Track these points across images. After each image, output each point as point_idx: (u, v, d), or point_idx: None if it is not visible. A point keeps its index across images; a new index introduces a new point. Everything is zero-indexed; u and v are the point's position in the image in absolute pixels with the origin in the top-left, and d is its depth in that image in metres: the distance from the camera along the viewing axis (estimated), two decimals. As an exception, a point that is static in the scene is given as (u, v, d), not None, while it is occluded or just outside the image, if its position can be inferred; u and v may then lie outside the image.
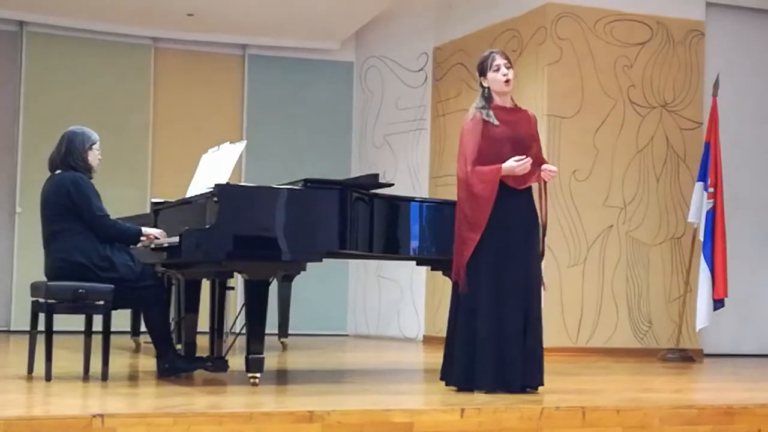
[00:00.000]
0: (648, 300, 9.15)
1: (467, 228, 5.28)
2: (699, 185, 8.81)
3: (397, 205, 6.01)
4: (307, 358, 8.05)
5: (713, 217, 8.68)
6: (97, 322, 5.59)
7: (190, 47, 11.36)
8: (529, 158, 5.29)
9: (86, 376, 5.63)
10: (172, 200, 6.37)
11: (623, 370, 7.39)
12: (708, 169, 8.75)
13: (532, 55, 9.06)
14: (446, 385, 5.38)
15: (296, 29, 11.09)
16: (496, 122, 5.35)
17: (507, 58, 5.44)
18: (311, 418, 4.17)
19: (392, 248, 6.02)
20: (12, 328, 10.39)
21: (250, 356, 5.34)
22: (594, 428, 4.58)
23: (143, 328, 6.09)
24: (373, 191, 5.81)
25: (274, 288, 7.08)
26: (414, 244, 6.08)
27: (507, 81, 5.39)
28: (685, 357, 8.67)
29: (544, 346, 5.41)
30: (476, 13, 9.98)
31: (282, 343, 8.79)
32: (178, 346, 6.09)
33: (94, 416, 3.90)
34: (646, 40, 9.28)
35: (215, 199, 5.29)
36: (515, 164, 5.25)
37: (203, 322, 6.25)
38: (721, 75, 9.05)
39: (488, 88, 5.42)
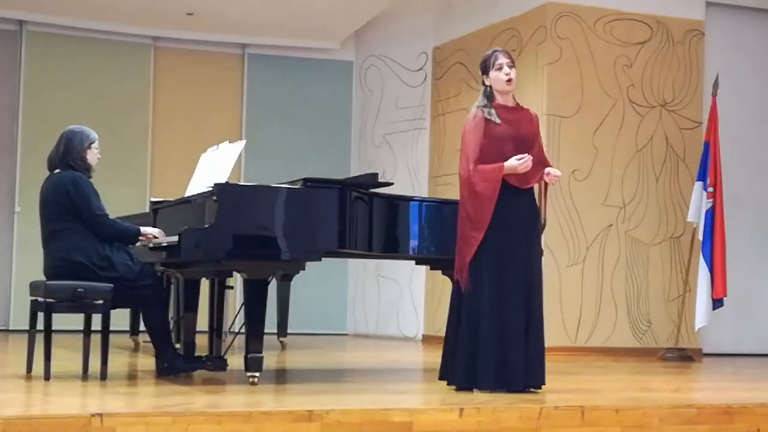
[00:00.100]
0: (647, 299, 9.15)
1: (470, 227, 5.28)
2: (698, 185, 8.81)
3: (397, 204, 6.00)
4: (306, 358, 8.04)
5: (712, 217, 8.68)
6: (96, 321, 5.58)
7: (189, 47, 11.35)
8: (530, 156, 5.29)
9: (85, 375, 5.63)
10: (172, 199, 6.37)
11: (622, 370, 7.39)
12: (707, 169, 8.75)
13: (532, 54, 9.06)
14: (447, 384, 5.37)
15: (296, 29, 11.09)
16: (498, 121, 5.34)
17: (510, 57, 5.44)
18: (310, 417, 4.17)
19: (391, 247, 6.02)
20: (11, 328, 10.38)
21: (249, 355, 5.34)
22: (593, 428, 4.58)
23: (142, 327, 6.09)
24: (373, 190, 5.81)
25: (273, 287, 7.08)
26: (413, 243, 6.08)
27: (509, 80, 5.39)
28: (685, 356, 8.68)
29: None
30: (476, 13, 9.98)
31: (281, 342, 8.79)
32: (177, 346, 6.08)
33: (93, 415, 3.90)
34: (645, 39, 9.28)
35: (214, 198, 5.29)
36: (517, 163, 5.25)
37: (202, 322, 6.25)
38: (720, 75, 9.05)
39: (490, 86, 5.42)
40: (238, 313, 5.76)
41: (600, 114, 9.09)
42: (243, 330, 5.45)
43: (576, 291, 8.91)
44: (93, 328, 5.66)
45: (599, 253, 9.02)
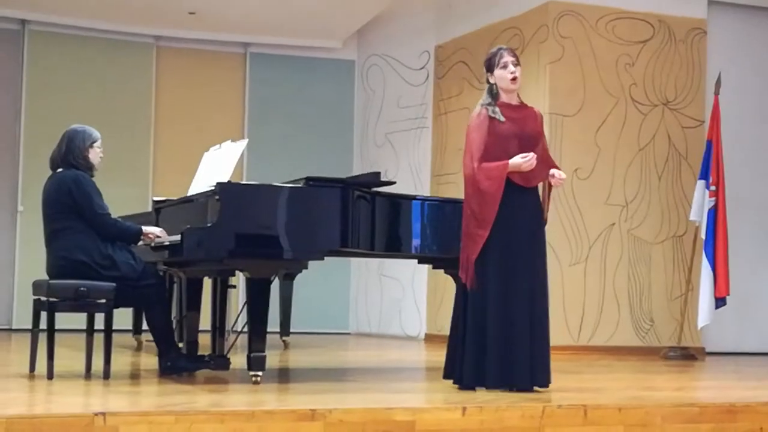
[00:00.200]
0: (650, 298, 9.15)
1: (475, 225, 5.27)
2: (701, 183, 8.80)
3: (399, 203, 6.00)
4: (308, 357, 8.04)
5: (715, 216, 8.67)
6: (99, 320, 5.59)
7: (191, 46, 11.36)
8: (534, 155, 5.28)
9: (88, 374, 5.63)
10: (174, 198, 6.38)
11: (625, 369, 7.39)
12: (710, 168, 8.75)
13: (534, 53, 9.06)
14: (454, 383, 5.36)
15: (298, 28, 11.09)
16: (503, 119, 5.34)
17: (515, 55, 5.44)
18: (313, 416, 4.17)
19: (394, 246, 6.01)
20: (14, 327, 10.39)
21: (252, 354, 5.34)
22: (596, 426, 4.57)
23: (145, 326, 6.09)
24: (375, 189, 5.81)
25: (275, 286, 7.09)
26: (415, 242, 6.07)
27: (514, 79, 5.38)
28: (687, 355, 8.67)
29: (546, 344, 5.41)
30: (478, 12, 9.98)
31: (284, 341, 8.79)
32: (180, 345, 6.09)
33: (96, 414, 3.90)
34: (647, 38, 9.27)
35: (217, 197, 5.29)
36: (521, 161, 5.24)
37: (205, 321, 6.25)
38: (722, 73, 9.04)
39: (495, 84, 5.42)
40: (241, 312, 5.77)
41: (602, 113, 9.09)
42: (246, 329, 5.45)
43: (578, 290, 8.90)
44: (96, 328, 5.66)
45: (602, 251, 9.02)
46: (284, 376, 6.47)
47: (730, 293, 8.64)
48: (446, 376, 5.47)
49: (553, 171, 5.41)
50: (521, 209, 5.31)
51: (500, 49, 5.47)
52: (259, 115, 11.42)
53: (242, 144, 5.95)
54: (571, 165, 8.78)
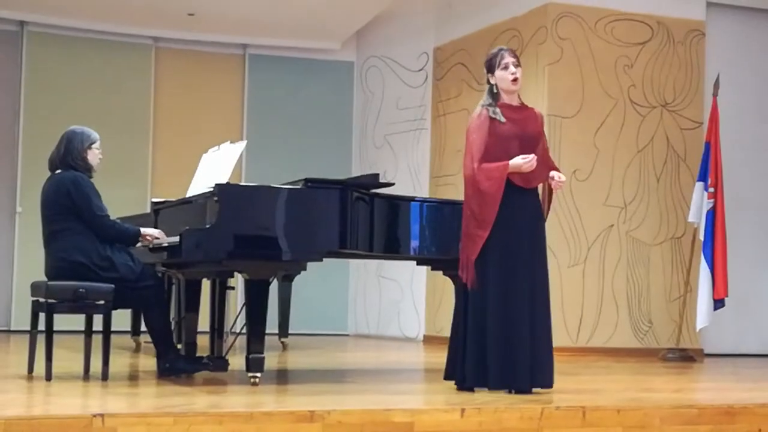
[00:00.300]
0: (648, 300, 9.15)
1: (475, 225, 5.27)
2: (699, 185, 8.80)
3: (398, 204, 6.00)
4: (307, 358, 8.04)
5: (713, 217, 8.67)
6: (98, 321, 5.59)
7: (190, 47, 11.35)
8: (535, 156, 5.28)
9: (86, 375, 5.63)
10: (173, 200, 6.37)
11: (623, 370, 7.39)
12: (708, 169, 8.75)
13: (533, 54, 9.06)
14: (455, 384, 5.35)
15: (297, 29, 11.09)
16: (503, 120, 5.34)
17: (515, 56, 5.43)
18: (312, 417, 4.17)
19: (392, 248, 6.01)
20: (12, 328, 10.38)
21: (251, 356, 5.34)
22: (594, 428, 4.57)
23: (143, 327, 6.09)
24: (374, 191, 5.81)
25: (274, 287, 7.09)
26: (414, 243, 6.07)
27: (515, 79, 5.38)
28: (686, 357, 8.67)
29: (546, 345, 5.41)
30: (477, 13, 9.98)
31: (282, 342, 8.79)
32: (179, 346, 6.08)
33: (94, 416, 3.90)
34: (646, 39, 9.28)
35: (215, 198, 5.29)
36: (522, 161, 5.24)
37: (203, 322, 6.25)
38: (721, 75, 9.05)
39: (495, 85, 5.41)
40: (240, 313, 5.76)
41: (601, 114, 9.09)
42: (244, 330, 5.45)
43: (577, 291, 8.91)
44: (94, 329, 5.66)
45: (600, 253, 9.02)
46: (283, 377, 6.47)
47: (728, 295, 8.64)
48: (447, 378, 5.47)
49: (552, 173, 5.40)
50: (521, 210, 5.31)
51: (501, 49, 5.46)
52: (257, 117, 11.42)
53: (241, 145, 5.95)
54: (569, 166, 8.78)
